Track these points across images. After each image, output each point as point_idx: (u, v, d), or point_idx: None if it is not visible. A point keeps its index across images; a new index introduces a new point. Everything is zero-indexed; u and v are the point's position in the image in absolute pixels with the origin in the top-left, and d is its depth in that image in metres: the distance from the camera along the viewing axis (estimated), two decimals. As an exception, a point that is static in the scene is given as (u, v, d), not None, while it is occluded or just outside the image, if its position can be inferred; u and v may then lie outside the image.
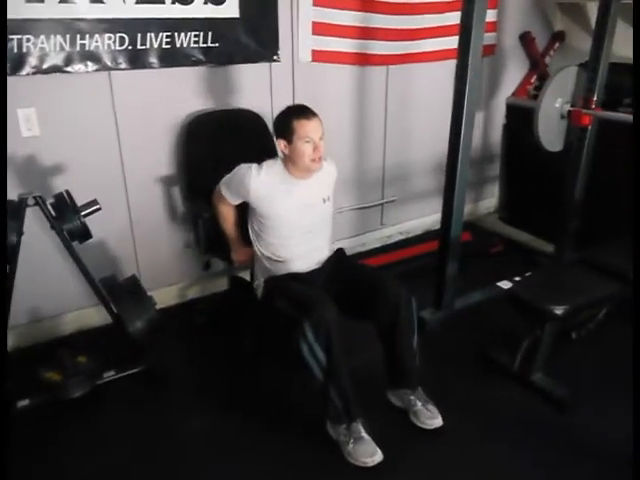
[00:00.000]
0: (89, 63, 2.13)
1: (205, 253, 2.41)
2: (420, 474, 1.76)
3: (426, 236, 3.46)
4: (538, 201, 3.47)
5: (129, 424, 1.98)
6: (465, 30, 2.05)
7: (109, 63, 2.17)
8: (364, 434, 1.77)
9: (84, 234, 1.86)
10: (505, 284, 2.79)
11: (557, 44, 3.56)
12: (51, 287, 2.36)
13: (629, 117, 2.57)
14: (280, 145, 1.91)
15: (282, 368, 2.25)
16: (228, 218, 2.12)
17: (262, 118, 2.50)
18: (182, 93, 2.41)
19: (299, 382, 2.12)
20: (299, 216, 1.97)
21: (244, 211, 2.09)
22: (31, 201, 1.79)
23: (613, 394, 2.05)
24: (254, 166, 1.94)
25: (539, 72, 3.56)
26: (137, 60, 2.22)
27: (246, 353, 2.31)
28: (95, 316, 2.48)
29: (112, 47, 2.15)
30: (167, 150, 2.46)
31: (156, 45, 2.24)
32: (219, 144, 2.39)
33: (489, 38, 3.18)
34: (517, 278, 2.81)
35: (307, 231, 2.00)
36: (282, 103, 2.59)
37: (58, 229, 1.84)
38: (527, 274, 2.84)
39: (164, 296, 2.57)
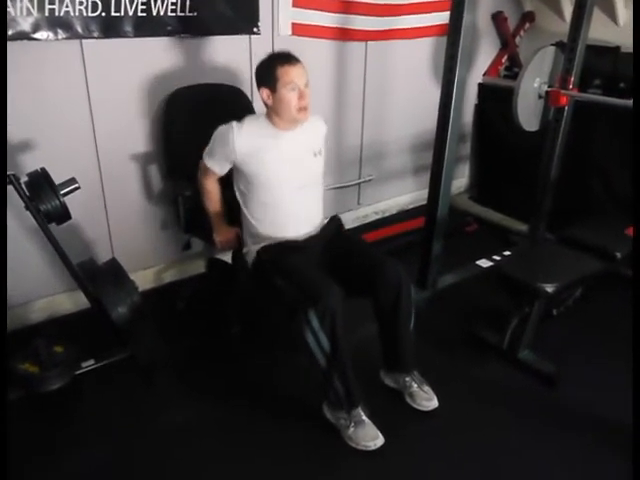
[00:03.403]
0: (59, 30, 1.96)
1: (186, 233, 2.30)
2: (420, 454, 1.76)
3: (401, 216, 3.47)
4: (509, 181, 3.52)
5: (112, 416, 1.88)
6: (457, 4, 2.00)
7: (80, 31, 2.01)
8: (364, 418, 1.75)
9: (63, 215, 1.72)
10: (484, 262, 2.82)
11: (527, 24, 3.59)
12: (19, 273, 2.18)
13: (605, 99, 2.65)
14: (263, 95, 1.81)
15: (268, 351, 2.21)
16: (213, 195, 2.01)
17: (244, 93, 2.39)
18: (159, 65, 2.27)
19: (287, 365, 2.11)
20: (289, 170, 1.87)
21: (227, 189, 2.01)
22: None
23: (597, 367, 2.12)
24: (234, 123, 1.84)
25: (510, 52, 3.59)
26: (111, 28, 2.07)
27: (232, 338, 2.25)
28: (66, 302, 2.35)
29: (84, 13, 1.99)
30: (143, 125, 2.32)
31: (131, 12, 2.09)
32: (199, 120, 2.24)
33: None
34: (496, 257, 2.88)
35: (298, 188, 1.90)
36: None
37: (34, 210, 1.69)
38: (506, 252, 2.92)
39: (140, 280, 2.39)
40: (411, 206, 3.58)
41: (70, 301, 2.34)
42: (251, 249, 1.95)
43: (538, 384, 2.04)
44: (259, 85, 1.82)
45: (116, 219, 2.39)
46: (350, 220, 3.28)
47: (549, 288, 1.95)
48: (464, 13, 1.99)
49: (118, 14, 2.06)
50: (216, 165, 1.91)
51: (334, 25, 2.68)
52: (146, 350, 2.05)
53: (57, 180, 1.78)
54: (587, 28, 2.59)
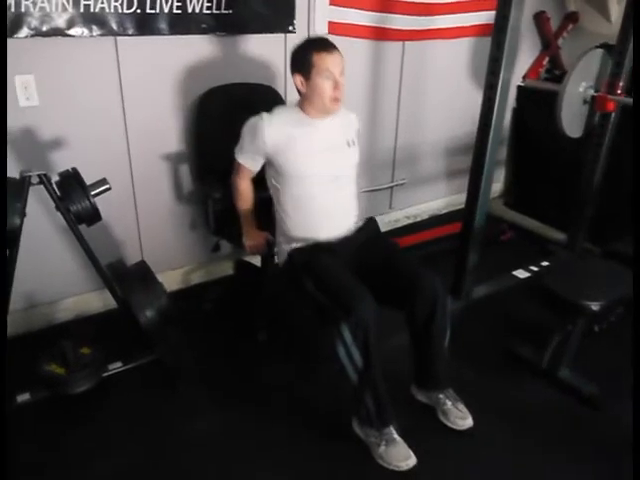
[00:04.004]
0: (94, 27, 1.93)
1: (215, 235, 2.26)
2: (453, 476, 1.68)
3: (434, 221, 3.38)
4: (547, 187, 3.40)
5: (138, 421, 1.85)
6: (503, 4, 1.91)
7: (115, 28, 1.97)
8: (396, 436, 1.68)
9: (93, 216, 1.69)
10: (521, 273, 2.71)
11: (570, 25, 3.45)
12: (48, 272, 2.19)
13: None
14: (296, 81, 1.75)
15: (296, 359, 2.15)
16: (245, 196, 1.95)
17: (278, 94, 2.34)
18: (192, 64, 2.23)
19: (317, 374, 2.05)
20: (322, 160, 1.80)
21: (258, 191, 1.96)
22: (35, 179, 1.61)
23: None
24: (264, 113, 1.78)
25: (551, 54, 3.46)
26: (146, 25, 2.03)
27: (259, 343, 2.20)
28: (94, 302, 2.33)
29: (119, 10, 1.95)
30: (176, 125, 2.29)
31: (166, 9, 2.04)
32: (232, 120, 2.19)
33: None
34: (533, 267, 2.77)
35: (333, 179, 1.82)
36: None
37: (64, 210, 1.67)
38: (543, 263, 2.80)
39: (168, 280, 2.38)
40: (444, 211, 3.49)
41: (98, 300, 2.32)
42: (282, 248, 1.88)
43: (578, 405, 1.94)
44: (293, 71, 1.76)
45: (146, 219, 2.36)
46: (381, 224, 3.14)
47: (594, 306, 1.85)
48: (511, 13, 1.90)
49: (153, 11, 2.02)
50: (248, 160, 1.85)
51: (371, 24, 2.60)
52: (173, 354, 2.02)
53: (88, 179, 1.76)
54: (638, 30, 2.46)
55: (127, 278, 1.85)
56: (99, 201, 1.79)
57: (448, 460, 1.72)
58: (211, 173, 2.18)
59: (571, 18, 3.42)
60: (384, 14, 2.61)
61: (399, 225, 3.29)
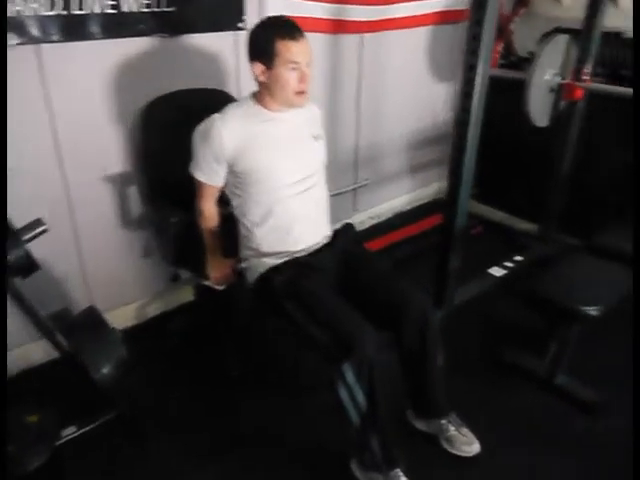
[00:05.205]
0: (9, 34, 1.61)
1: (174, 265, 2.00)
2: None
3: (398, 219, 3.24)
4: (513, 178, 3.31)
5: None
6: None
7: (37, 34, 1.67)
8: (404, 479, 1.51)
9: (28, 266, 1.39)
10: (497, 271, 2.61)
11: (522, 10, 3.36)
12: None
13: (626, 90, 2.42)
14: (256, 70, 1.52)
15: (277, 395, 1.93)
16: (211, 221, 1.71)
17: (231, 97, 2.09)
18: (132, 71, 1.94)
19: (302, 411, 1.86)
20: (287, 158, 1.60)
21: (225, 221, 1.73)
22: (-49, 229, 1.30)
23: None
24: (214, 116, 1.55)
25: (505, 40, 3.35)
26: (73, 29, 1.73)
27: (232, 379, 1.97)
28: (39, 352, 2.02)
29: (39, 12, 1.64)
30: (118, 143, 1.99)
31: (97, 9, 1.75)
32: (182, 132, 1.94)
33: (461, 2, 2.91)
34: (508, 263, 2.67)
35: (301, 180, 1.61)
36: (249, 81, 2.24)
37: (-9, 263, 1.36)
38: (516, 257, 2.72)
39: (122, 317, 2.16)
40: (408, 207, 3.36)
41: (43, 349, 1.99)
42: (252, 264, 1.66)
43: (578, 413, 1.85)
44: (252, 58, 1.53)
45: (91, 253, 2.06)
46: (347, 229, 3.02)
47: (594, 312, 1.73)
48: (488, 2, 1.74)
49: (81, 12, 1.72)
50: (208, 174, 1.60)
51: (329, 17, 2.39)
52: (136, 407, 1.77)
53: (18, 219, 1.45)
54: (602, 15, 2.38)
55: (75, 331, 1.58)
56: (33, 242, 1.50)
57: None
58: (163, 193, 1.92)
59: (522, 2, 3.32)
60: (341, 5, 2.40)
61: (364, 227, 3.11)
